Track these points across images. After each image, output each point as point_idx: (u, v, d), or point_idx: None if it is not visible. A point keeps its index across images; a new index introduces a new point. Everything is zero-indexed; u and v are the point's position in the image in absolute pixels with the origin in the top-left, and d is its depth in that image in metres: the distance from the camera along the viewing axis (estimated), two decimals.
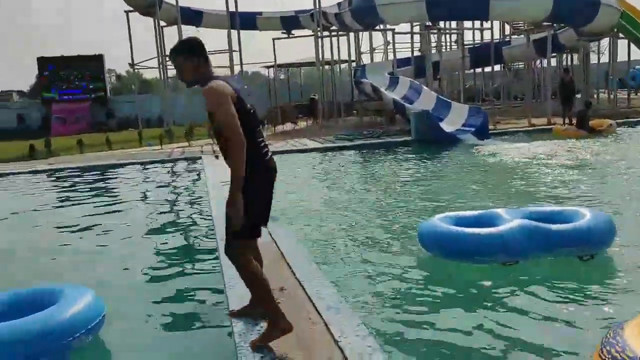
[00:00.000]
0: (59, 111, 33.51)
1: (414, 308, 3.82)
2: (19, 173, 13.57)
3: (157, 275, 4.93)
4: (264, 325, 3.15)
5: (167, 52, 23.38)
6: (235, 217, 2.86)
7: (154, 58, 24.02)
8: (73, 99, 35.05)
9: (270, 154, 3.17)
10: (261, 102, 29.36)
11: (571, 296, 3.88)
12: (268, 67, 33.14)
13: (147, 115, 29.86)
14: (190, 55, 3.02)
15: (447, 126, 15.06)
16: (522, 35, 24.51)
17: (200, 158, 13.90)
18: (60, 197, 10.20)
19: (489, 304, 3.79)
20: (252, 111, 3.08)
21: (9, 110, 34.49)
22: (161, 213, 7.98)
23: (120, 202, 9.10)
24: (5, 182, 12.44)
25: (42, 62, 36.92)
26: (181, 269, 5.14)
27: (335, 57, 25.19)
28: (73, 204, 9.16)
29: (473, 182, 8.89)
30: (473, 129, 14.72)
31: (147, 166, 13.99)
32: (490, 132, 15.19)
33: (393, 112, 19.80)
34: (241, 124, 2.85)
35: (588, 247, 4.50)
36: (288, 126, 23.51)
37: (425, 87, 18.78)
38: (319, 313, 3.34)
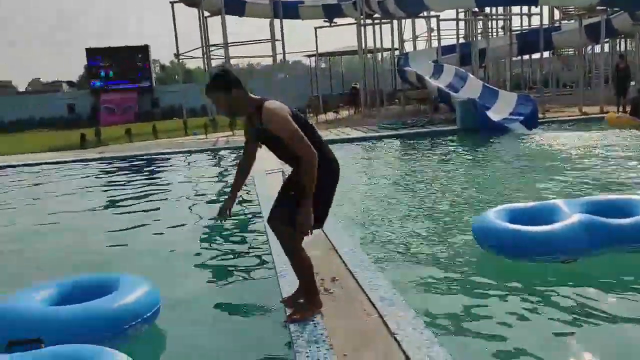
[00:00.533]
0: (108, 101, 34.44)
1: (466, 303, 3.71)
2: (72, 161, 14.02)
3: (208, 264, 4.98)
4: (316, 318, 3.15)
5: (211, 42, 23.75)
6: (307, 225, 3.06)
7: (197, 48, 24.31)
8: (121, 89, 35.93)
9: (336, 160, 3.29)
10: (302, 92, 29.42)
11: (633, 296, 3.69)
12: (310, 55, 33.12)
13: (191, 104, 30.31)
14: (226, 89, 3.11)
15: (494, 115, 14.69)
16: (573, 21, 23.59)
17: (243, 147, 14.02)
18: (110, 185, 10.47)
19: (545, 302, 3.65)
20: (307, 122, 3.20)
21: (60, 100, 35.64)
22: (209, 202, 8.09)
23: (169, 191, 9.27)
24: (59, 171, 12.87)
25: (90, 52, 38.00)
26: (230, 257, 5.19)
27: (378, 46, 24.92)
28: (122, 192, 9.39)
29: (524, 172, 8.65)
30: (522, 118, 14.30)
31: (194, 155, 14.22)
32: (539, 121, 14.75)
33: (437, 101, 19.48)
34: (303, 131, 3.03)
35: None
36: (330, 115, 23.47)
37: (471, 75, 18.37)
38: (372, 304, 3.30)
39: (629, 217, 4.31)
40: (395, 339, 2.81)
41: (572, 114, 17.06)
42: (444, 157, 11.00)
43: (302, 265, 3.22)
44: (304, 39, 39.84)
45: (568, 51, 29.13)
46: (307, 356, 2.70)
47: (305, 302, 3.29)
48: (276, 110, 3.05)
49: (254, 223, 6.28)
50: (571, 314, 3.44)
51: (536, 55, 27.46)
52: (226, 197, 3.62)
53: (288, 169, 3.46)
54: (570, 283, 3.91)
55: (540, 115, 15.29)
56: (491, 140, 12.80)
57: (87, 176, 11.82)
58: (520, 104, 15.02)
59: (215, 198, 8.48)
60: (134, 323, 3.24)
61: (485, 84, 17.76)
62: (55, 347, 2.60)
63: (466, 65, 21.08)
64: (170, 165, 12.87)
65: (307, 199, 3.03)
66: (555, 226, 4.26)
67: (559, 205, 4.62)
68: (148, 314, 3.35)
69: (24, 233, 6.74)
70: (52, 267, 5.16)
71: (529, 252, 4.22)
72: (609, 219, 4.28)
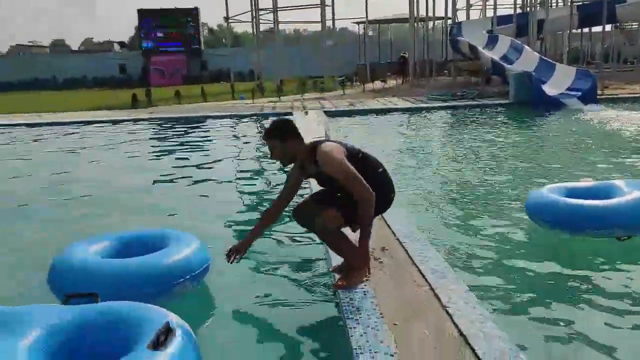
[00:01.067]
0: (157, 63, 34.93)
1: (517, 278, 3.64)
2: (124, 121, 14.36)
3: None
4: (365, 287, 3.15)
5: (260, 7, 23.60)
6: (366, 263, 3.20)
7: (246, 12, 24.25)
8: (170, 51, 36.34)
9: (393, 190, 3.33)
10: (350, 60, 29.02)
11: None
12: (359, 23, 32.52)
13: (239, 68, 30.40)
14: (282, 137, 3.15)
15: (550, 89, 14.14)
16: None
17: (290, 113, 14.00)
18: (160, 146, 10.68)
19: (599, 279, 3.54)
20: (360, 155, 3.22)
21: (112, 60, 36.38)
22: (254, 170, 8.14)
23: (214, 153, 9.39)
24: (112, 129, 13.20)
25: (142, 14, 38.41)
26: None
27: (430, 14, 24.23)
28: (170, 153, 9.56)
29: (579, 150, 8.33)
30: (579, 93, 13.72)
31: (241, 119, 14.31)
32: (597, 97, 14.11)
33: (490, 73, 18.88)
34: (359, 168, 3.06)
35: None
36: (377, 85, 23.11)
37: (527, 47, 17.68)
38: (423, 276, 3.26)
39: None
40: (447, 312, 2.77)
41: (633, 92, 16.23)
42: (494, 131, 10.69)
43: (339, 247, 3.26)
44: (353, 5, 39.15)
45: (632, 25, 27.60)
46: (357, 323, 2.70)
47: (354, 270, 3.28)
48: (331, 153, 3.06)
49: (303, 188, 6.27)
50: (626, 290, 3.34)
51: (597, 29, 26.09)
52: (243, 239, 3.45)
53: None
54: (626, 260, 3.79)
55: (598, 92, 14.62)
56: (545, 116, 12.37)
57: (138, 135, 12.08)
58: (578, 79, 14.40)
59: (258, 164, 8.54)
60: (185, 279, 3.28)
61: (542, 56, 17.04)
62: (109, 302, 2.67)
63: (522, 37, 20.27)
64: (217, 128, 13.01)
65: (365, 239, 3.13)
66: (613, 201, 4.13)
67: (618, 185, 4.43)
68: (199, 271, 3.39)
69: (71, 186, 6.97)
70: (99, 221, 5.32)
71: (585, 227, 4.09)
72: None
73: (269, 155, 3.32)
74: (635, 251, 3.96)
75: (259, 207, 5.76)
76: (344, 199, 3.12)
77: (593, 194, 4.39)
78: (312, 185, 4.55)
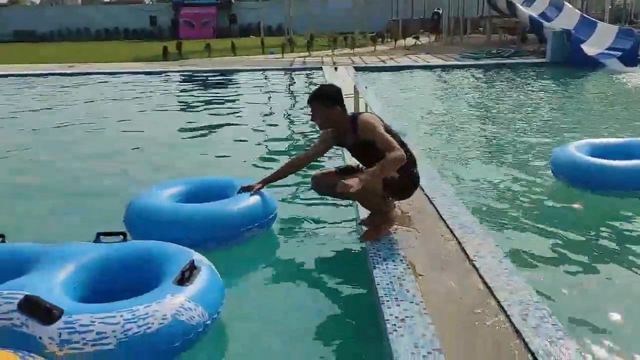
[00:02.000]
0: (187, 15, 34.67)
1: (542, 235, 3.64)
2: (156, 73, 14.46)
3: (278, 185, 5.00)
4: (393, 239, 3.20)
5: None
6: (346, 187, 2.95)
7: None
8: (200, 3, 35.96)
9: (417, 173, 3.37)
10: (382, 15, 28.35)
11: None
12: None
13: (269, 23, 30.02)
14: (329, 104, 3.25)
15: (589, 48, 13.65)
16: None
17: (320, 69, 13.88)
18: (192, 98, 10.77)
19: (621, 237, 3.56)
20: (398, 137, 3.28)
21: (142, 13, 36.24)
22: (282, 123, 8.17)
23: (243, 107, 9.44)
24: (145, 80, 13.32)
25: None
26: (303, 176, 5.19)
27: None
28: (201, 105, 9.65)
29: (615, 111, 8.14)
30: (619, 54, 13.22)
31: (271, 73, 14.26)
32: (639, 58, 13.58)
33: (526, 30, 18.28)
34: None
35: None
36: (409, 41, 22.62)
37: (567, 4, 17.00)
38: (451, 230, 3.30)
39: None
40: (474, 265, 2.82)
41: None
42: (529, 90, 10.46)
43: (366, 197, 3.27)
44: None
45: None
46: (384, 272, 2.77)
47: (381, 222, 3.34)
48: (370, 119, 3.20)
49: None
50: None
51: None
52: (258, 181, 3.57)
53: None
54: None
55: None
56: (581, 75, 12.02)
57: (168, 87, 12.18)
58: (619, 38, 13.85)
59: (285, 118, 8.56)
60: (255, 226, 3.37)
61: (584, 14, 16.39)
62: (138, 241, 2.82)
63: None
64: (246, 82, 13.01)
65: (373, 176, 3.01)
66: (635, 161, 4.11)
67: None
68: (269, 218, 3.50)
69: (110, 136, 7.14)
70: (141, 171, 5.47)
71: (607, 185, 4.11)
72: None
73: (310, 118, 3.39)
74: None
75: (283, 159, 5.80)
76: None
77: (619, 151, 4.40)
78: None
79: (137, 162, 5.91)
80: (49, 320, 2.08)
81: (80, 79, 13.73)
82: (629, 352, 2.40)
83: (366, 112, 3.35)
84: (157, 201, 3.41)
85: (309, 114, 3.42)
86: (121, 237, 2.83)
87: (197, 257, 2.59)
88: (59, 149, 6.54)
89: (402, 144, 3.25)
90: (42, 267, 2.47)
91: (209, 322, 2.32)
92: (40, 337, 2.05)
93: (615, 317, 2.67)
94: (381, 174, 3.06)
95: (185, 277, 2.38)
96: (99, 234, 2.85)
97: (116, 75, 14.12)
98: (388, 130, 3.24)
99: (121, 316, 2.10)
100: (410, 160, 3.25)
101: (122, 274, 2.57)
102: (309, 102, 3.34)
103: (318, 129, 3.50)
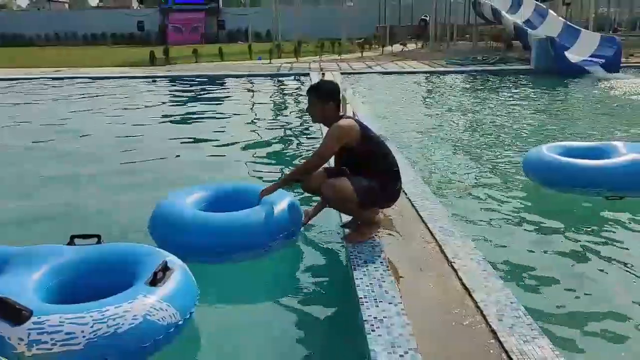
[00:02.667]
0: (175, 20, 34.63)
1: (517, 235, 3.77)
2: (143, 77, 14.43)
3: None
4: (374, 242, 3.24)
5: None
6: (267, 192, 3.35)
7: None
8: (188, 9, 35.94)
9: (400, 180, 3.39)
10: (370, 21, 28.53)
11: None
12: None
13: (257, 28, 30.09)
14: (325, 98, 3.30)
15: (573, 56, 13.86)
16: None
17: (307, 74, 13.94)
18: (176, 102, 10.75)
19: (590, 237, 3.68)
20: (381, 140, 3.38)
21: (130, 17, 36.14)
22: (270, 128, 8.19)
23: (229, 111, 9.45)
24: (130, 85, 13.28)
25: None
26: None
27: None
28: (184, 110, 9.64)
29: (596, 117, 8.27)
30: (602, 61, 13.43)
31: (258, 79, 14.29)
32: (621, 65, 13.81)
33: (511, 38, 18.51)
34: (372, 152, 3.26)
35: None
36: (396, 47, 22.78)
37: (551, 12, 17.25)
38: (431, 233, 3.34)
39: None
40: (453, 267, 2.86)
41: None
42: (512, 97, 10.59)
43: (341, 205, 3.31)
44: None
45: None
46: (365, 274, 2.79)
47: (363, 226, 3.37)
48: (337, 127, 3.22)
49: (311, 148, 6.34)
50: (611, 245, 3.52)
51: None
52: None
53: None
54: (611, 219, 3.94)
55: (622, 60, 14.29)
56: (566, 82, 12.18)
57: (155, 92, 12.15)
58: (602, 46, 14.09)
59: (273, 123, 8.58)
60: (282, 235, 3.26)
61: (567, 22, 16.63)
62: (111, 243, 2.82)
63: (547, 1, 19.73)
64: (234, 88, 13.02)
65: (280, 184, 3.41)
66: (607, 161, 4.27)
67: (617, 146, 4.53)
68: (295, 227, 3.39)
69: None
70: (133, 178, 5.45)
71: (576, 184, 4.25)
72: None
73: (305, 109, 3.48)
74: (619, 210, 4.06)
75: (273, 165, 5.85)
76: (355, 177, 3.22)
77: (591, 153, 4.52)
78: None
79: (116, 166, 5.88)
80: (19, 320, 2.09)
81: (66, 82, 13.66)
82: (601, 349, 2.46)
83: (353, 118, 3.37)
84: (184, 209, 3.28)
85: (298, 115, 3.46)
86: (95, 239, 2.83)
87: (171, 258, 2.62)
88: (35, 151, 6.51)
89: (386, 156, 3.31)
90: (14, 269, 2.48)
91: (181, 322, 2.33)
92: (9, 338, 2.06)
93: (587, 314, 2.74)
94: (288, 178, 3.43)
95: (158, 278, 2.39)
96: (72, 237, 2.84)
97: (101, 80, 14.06)
98: (368, 135, 3.27)
99: (91, 316, 2.12)
100: (392, 175, 3.31)
101: (95, 275, 2.58)
102: (307, 92, 3.42)
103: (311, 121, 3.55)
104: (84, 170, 5.64)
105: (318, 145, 3.37)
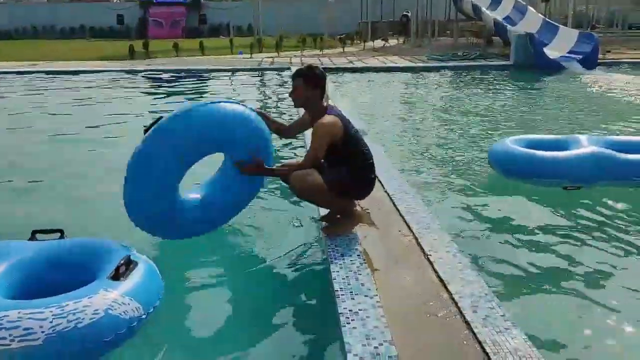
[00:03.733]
0: (156, 14, 34.24)
1: (476, 224, 3.88)
2: (121, 71, 14.23)
3: None
4: (351, 235, 3.24)
5: None
6: (245, 169, 3.25)
7: None
8: (169, 2, 35.56)
9: (374, 171, 3.41)
10: (352, 17, 28.53)
11: (625, 228, 3.76)
12: None
13: (238, 23, 29.89)
14: (312, 83, 3.28)
15: (551, 52, 14.02)
16: None
17: (289, 69, 13.89)
18: (153, 96, 10.64)
19: (553, 227, 3.80)
20: (355, 130, 3.36)
21: (110, 10, 35.63)
22: None
23: None
24: (109, 79, 13.10)
25: None
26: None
27: None
28: (167, 105, 9.54)
29: (570, 113, 8.42)
30: (580, 57, 13.62)
31: (239, 73, 14.20)
32: (598, 61, 14.01)
33: (492, 34, 18.66)
34: (350, 147, 3.25)
35: None
36: (378, 43, 22.82)
37: (530, 8, 17.42)
38: (408, 226, 3.35)
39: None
40: (429, 260, 2.87)
41: (634, 57, 16.10)
42: (489, 91, 10.71)
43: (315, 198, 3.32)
44: None
45: None
46: (341, 267, 2.80)
47: (340, 219, 3.38)
48: (323, 126, 3.20)
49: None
50: (566, 236, 3.66)
51: None
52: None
53: None
54: (569, 207, 4.10)
55: (600, 56, 14.49)
56: (544, 78, 12.32)
57: (134, 87, 12.01)
58: (580, 42, 14.28)
59: None
60: None
61: (546, 18, 16.82)
62: (75, 238, 2.77)
63: None
64: (215, 82, 12.93)
65: (268, 173, 3.36)
66: (566, 153, 4.43)
67: (580, 139, 4.68)
68: None
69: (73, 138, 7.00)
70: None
71: (535, 175, 4.40)
72: (619, 154, 4.37)
73: (289, 93, 3.43)
74: (580, 200, 4.22)
75: None
76: (328, 169, 3.26)
77: (554, 145, 4.67)
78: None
79: (88, 160, 5.81)
80: None
81: (42, 77, 13.43)
82: (572, 340, 2.52)
83: (336, 112, 3.32)
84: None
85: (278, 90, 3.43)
86: (58, 234, 2.78)
87: (135, 252, 2.59)
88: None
89: (363, 151, 3.31)
90: None
91: (144, 317, 2.31)
92: None
93: (558, 303, 2.82)
94: (277, 172, 3.39)
95: (120, 273, 2.37)
96: (34, 232, 2.79)
97: (79, 74, 13.84)
98: (349, 129, 3.26)
99: (50, 312, 2.09)
100: (367, 167, 3.33)
101: (58, 271, 2.55)
102: (293, 77, 3.36)
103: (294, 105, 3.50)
104: (51, 163, 5.57)
105: (299, 139, 3.37)
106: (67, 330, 2.07)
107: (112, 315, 2.18)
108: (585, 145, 4.51)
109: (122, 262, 2.42)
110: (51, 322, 2.06)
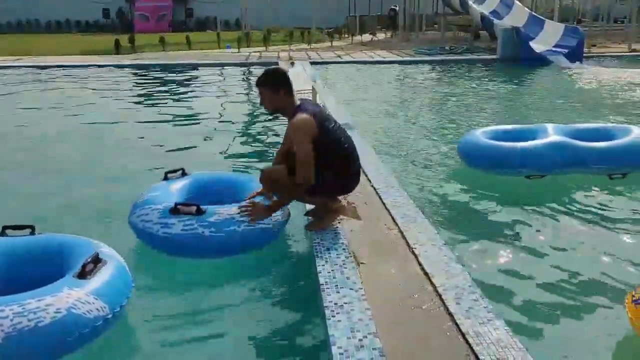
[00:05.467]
0: (142, 8, 33.92)
1: (444, 216, 3.99)
2: (107, 65, 14.11)
3: None
4: (337, 229, 3.25)
5: None
6: (255, 215, 3.11)
7: None
8: None
9: (358, 164, 3.38)
10: (340, 11, 28.47)
11: (590, 214, 3.89)
12: None
13: (227, 17, 29.72)
14: (274, 87, 3.20)
15: (537, 46, 14.10)
16: None
17: (276, 63, 13.82)
18: (143, 93, 10.56)
19: (509, 215, 3.92)
20: (336, 126, 3.29)
21: (96, 4, 35.24)
22: (237, 119, 8.13)
23: (197, 100, 9.34)
24: (94, 74, 12.98)
25: None
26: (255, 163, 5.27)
27: None
28: (153, 100, 9.48)
29: (552, 105, 8.56)
30: (566, 51, 13.72)
31: (226, 68, 14.13)
32: (584, 55, 14.12)
33: (479, 28, 18.71)
34: (329, 140, 3.18)
35: (621, 166, 4.42)
36: (366, 37, 22.81)
37: (517, 2, 17.49)
38: (394, 220, 3.37)
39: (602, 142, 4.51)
40: (414, 253, 2.89)
41: (618, 50, 16.26)
42: (475, 85, 10.78)
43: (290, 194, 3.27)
44: None
45: None
46: (327, 261, 2.81)
47: (326, 213, 3.38)
48: (293, 125, 3.15)
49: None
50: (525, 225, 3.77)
51: None
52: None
53: None
54: (533, 197, 4.23)
55: (585, 50, 14.61)
56: (530, 72, 12.41)
57: (120, 82, 11.92)
58: (566, 36, 14.36)
59: (240, 113, 8.52)
60: None
61: (532, 12, 16.90)
62: (45, 234, 2.74)
63: None
64: (202, 76, 12.86)
65: (279, 205, 3.21)
66: (528, 144, 4.50)
67: (547, 128, 4.76)
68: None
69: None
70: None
71: (500, 165, 4.50)
72: (581, 142, 4.45)
73: (259, 102, 3.36)
74: (544, 190, 4.37)
75: (238, 158, 5.77)
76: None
77: (520, 135, 4.75)
78: None
79: (65, 156, 5.75)
80: None
81: (26, 71, 13.26)
82: (553, 329, 2.57)
83: (310, 105, 3.28)
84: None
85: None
86: (29, 230, 2.75)
87: (105, 250, 2.56)
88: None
89: (343, 145, 3.27)
90: None
91: (110, 316, 2.27)
92: None
93: (538, 294, 2.88)
94: (281, 203, 3.24)
95: (87, 271, 2.33)
96: (4, 227, 2.76)
97: (64, 68, 13.70)
98: (324, 122, 3.20)
99: (10, 310, 2.06)
100: (349, 162, 3.30)
101: (26, 268, 2.52)
102: (256, 85, 3.29)
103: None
104: (31, 161, 5.53)
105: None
106: (28, 329, 2.04)
107: (75, 315, 2.14)
108: (551, 134, 4.60)
109: (88, 259, 2.37)
110: (11, 320, 2.03)
